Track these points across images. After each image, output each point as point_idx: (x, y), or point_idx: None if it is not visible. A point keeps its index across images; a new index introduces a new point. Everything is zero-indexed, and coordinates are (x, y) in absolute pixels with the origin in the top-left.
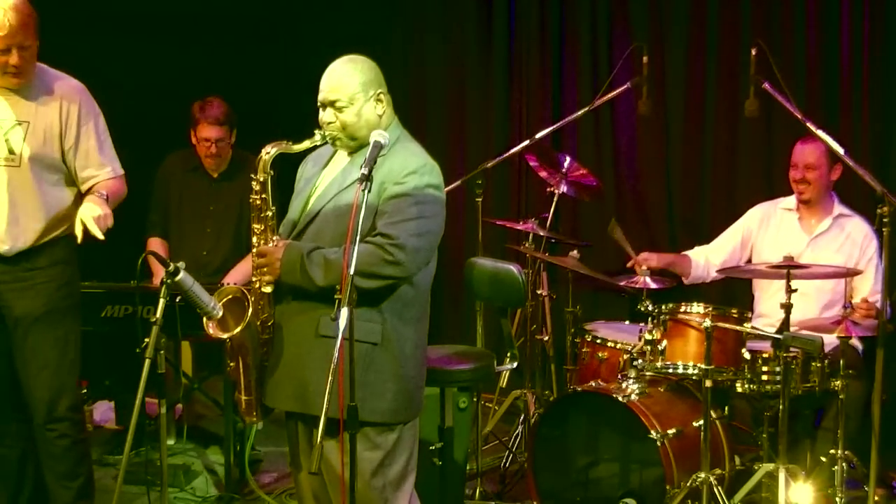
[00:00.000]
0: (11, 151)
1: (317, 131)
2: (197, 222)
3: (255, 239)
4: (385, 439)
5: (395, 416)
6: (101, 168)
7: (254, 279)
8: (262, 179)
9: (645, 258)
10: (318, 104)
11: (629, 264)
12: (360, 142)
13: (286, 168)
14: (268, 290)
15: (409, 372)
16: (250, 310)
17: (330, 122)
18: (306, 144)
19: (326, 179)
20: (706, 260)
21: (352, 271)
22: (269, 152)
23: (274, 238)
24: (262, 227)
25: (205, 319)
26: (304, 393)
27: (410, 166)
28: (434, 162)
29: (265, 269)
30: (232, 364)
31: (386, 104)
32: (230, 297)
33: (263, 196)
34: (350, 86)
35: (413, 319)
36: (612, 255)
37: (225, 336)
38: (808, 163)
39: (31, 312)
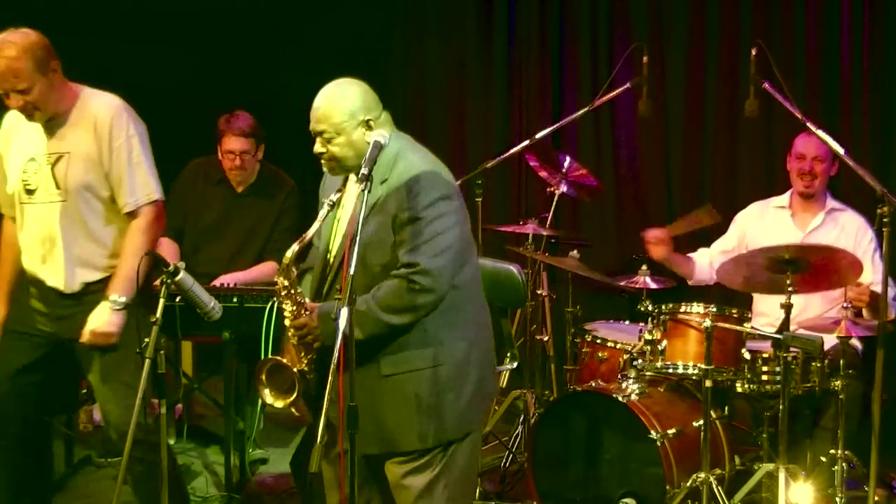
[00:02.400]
0: (58, 186)
1: (321, 208)
2: (216, 237)
3: (286, 313)
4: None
5: (468, 425)
6: (130, 195)
7: (294, 341)
8: (286, 284)
9: (663, 233)
10: (311, 133)
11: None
12: (355, 169)
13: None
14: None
15: (473, 376)
16: (297, 391)
17: (321, 153)
18: (316, 225)
19: (347, 207)
20: (710, 263)
21: (352, 271)
22: (290, 254)
23: (306, 308)
24: (295, 308)
25: (262, 392)
26: (384, 434)
27: (414, 188)
28: (438, 168)
29: (309, 339)
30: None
31: (378, 126)
32: (268, 367)
33: (292, 291)
34: (335, 115)
35: (465, 321)
36: (613, 255)
37: (284, 405)
38: (817, 155)
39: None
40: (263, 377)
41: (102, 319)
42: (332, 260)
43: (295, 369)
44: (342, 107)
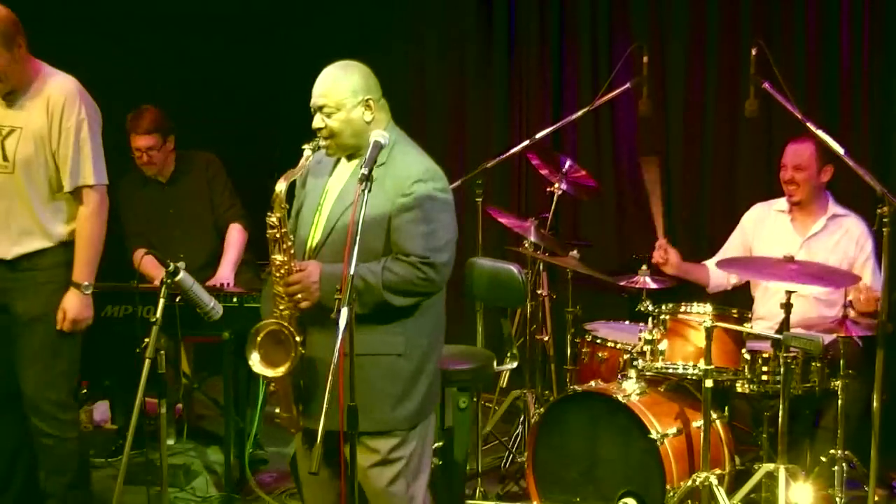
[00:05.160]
0: (6, 158)
1: (305, 146)
2: (163, 230)
3: (275, 270)
4: (407, 445)
5: (420, 416)
6: (73, 177)
7: (282, 307)
8: (278, 216)
9: (663, 246)
10: (311, 110)
11: (658, 243)
12: (350, 149)
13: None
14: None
15: (430, 369)
16: (293, 352)
17: (319, 128)
18: (302, 163)
19: (334, 190)
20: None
21: (351, 271)
22: (280, 189)
23: (299, 264)
24: (285, 258)
25: (252, 360)
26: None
27: (414, 174)
28: (435, 164)
29: (301, 296)
30: (274, 387)
31: (377, 110)
32: (267, 330)
33: (283, 230)
34: (337, 91)
35: (429, 321)
36: (613, 255)
37: (273, 375)
38: (797, 164)
39: (29, 310)
40: (259, 339)
41: (77, 305)
42: (313, 246)
43: (298, 339)
44: (345, 84)
